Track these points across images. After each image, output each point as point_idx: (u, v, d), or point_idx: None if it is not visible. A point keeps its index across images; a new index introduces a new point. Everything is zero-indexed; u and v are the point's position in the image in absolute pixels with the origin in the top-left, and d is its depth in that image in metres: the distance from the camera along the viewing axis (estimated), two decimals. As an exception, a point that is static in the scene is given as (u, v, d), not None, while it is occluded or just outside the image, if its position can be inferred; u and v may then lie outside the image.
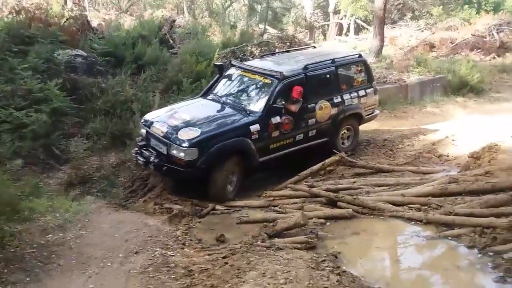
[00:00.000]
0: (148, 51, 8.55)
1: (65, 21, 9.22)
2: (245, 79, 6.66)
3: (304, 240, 4.24)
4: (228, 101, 6.37)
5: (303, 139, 6.48)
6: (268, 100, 5.99)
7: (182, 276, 3.47)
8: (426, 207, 4.86)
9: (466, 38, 18.68)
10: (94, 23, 10.70)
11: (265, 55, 8.21)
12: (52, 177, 6.12)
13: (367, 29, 21.81)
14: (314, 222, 4.78)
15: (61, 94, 6.83)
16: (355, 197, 5.16)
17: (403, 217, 4.70)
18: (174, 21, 10.70)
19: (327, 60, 6.87)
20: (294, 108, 6.11)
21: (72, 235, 4.10)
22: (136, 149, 5.98)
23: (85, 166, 6.41)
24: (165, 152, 5.53)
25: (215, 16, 16.16)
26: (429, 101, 13.26)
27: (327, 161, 6.38)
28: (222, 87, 6.70)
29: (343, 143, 7.20)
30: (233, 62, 7.07)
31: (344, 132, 7.20)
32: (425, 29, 20.41)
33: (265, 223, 4.69)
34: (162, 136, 5.60)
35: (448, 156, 7.25)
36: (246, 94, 6.49)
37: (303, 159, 6.54)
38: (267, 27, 15.08)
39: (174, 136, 5.50)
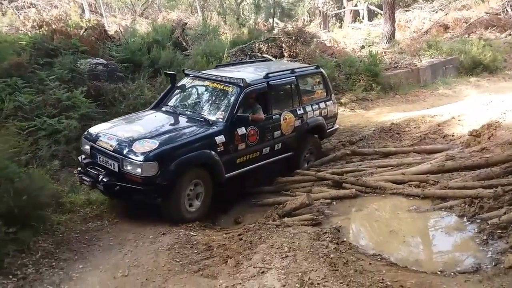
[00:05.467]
0: (163, 55, 8.99)
1: (83, 32, 9.75)
2: (203, 88, 6.16)
3: (310, 218, 4.75)
4: (185, 112, 5.79)
5: (269, 153, 5.96)
6: (232, 109, 5.44)
7: (203, 250, 4.06)
8: (424, 183, 5.30)
9: (480, 16, 18.55)
10: (111, 30, 11.23)
11: (220, 65, 7.53)
12: (87, 176, 6.71)
13: (381, 14, 21.79)
14: (321, 202, 5.26)
15: (87, 101, 7.25)
16: (358, 178, 5.64)
17: (402, 194, 5.16)
18: (186, 24, 11.19)
19: (287, 70, 6.49)
20: (261, 116, 5.73)
21: (108, 222, 4.78)
22: (80, 168, 5.23)
23: (114, 165, 6.93)
24: (116, 169, 4.76)
25: (227, 14, 16.57)
26: (441, 83, 13.42)
27: (339, 153, 6.84)
28: (176, 98, 6.14)
29: (308, 162, 6.75)
30: (186, 71, 6.50)
31: (307, 154, 6.75)
32: (440, 10, 20.27)
33: (276, 205, 5.23)
34: (111, 151, 4.82)
35: (453, 135, 7.57)
36: (205, 104, 5.96)
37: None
38: (277, 21, 15.40)
39: (128, 149, 4.72)
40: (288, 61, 10.53)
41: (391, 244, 4.17)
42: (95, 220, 4.78)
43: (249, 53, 10.06)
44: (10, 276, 3.48)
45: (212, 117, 5.49)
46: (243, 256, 3.87)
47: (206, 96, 6.09)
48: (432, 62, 14.28)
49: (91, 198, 5.25)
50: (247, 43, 10.68)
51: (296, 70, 6.55)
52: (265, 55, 10.55)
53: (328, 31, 19.93)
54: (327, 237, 4.08)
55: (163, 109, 5.96)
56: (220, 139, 5.20)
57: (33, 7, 14.51)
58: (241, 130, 5.46)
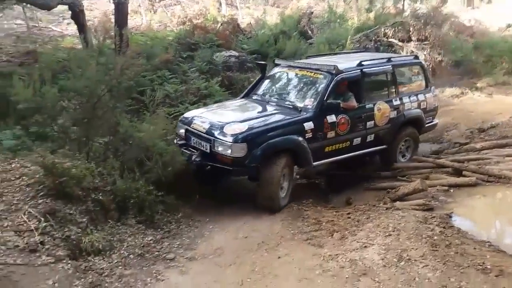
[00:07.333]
0: (288, 45, 9.61)
1: (219, 27, 10.88)
2: (293, 76, 6.09)
3: (422, 203, 4.79)
4: (275, 99, 5.83)
5: (360, 144, 5.74)
6: (322, 96, 5.33)
7: (313, 223, 4.50)
8: (558, 176, 4.87)
9: None
10: (243, 23, 12.20)
11: (311, 56, 7.42)
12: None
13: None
14: (437, 189, 5.23)
15: (221, 90, 8.27)
16: (480, 166, 5.40)
17: (530, 185, 4.84)
18: (312, 13, 11.56)
19: (382, 58, 6.35)
20: (353, 104, 5.55)
21: (234, 195, 5.58)
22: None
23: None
24: (208, 150, 5.00)
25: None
26: None
27: (466, 146, 6.70)
28: (266, 87, 6.19)
29: (403, 156, 6.46)
30: (277, 61, 6.57)
31: (402, 144, 6.41)
32: None
33: (388, 190, 5.35)
34: (204, 133, 5.08)
35: None
36: (295, 92, 5.87)
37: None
38: (409, 2, 14.72)
39: (219, 131, 4.93)
40: (416, 45, 10.14)
41: (505, 232, 4.03)
42: (225, 192, 5.58)
43: (373, 38, 9.95)
44: (159, 230, 4.39)
45: (301, 104, 5.44)
46: (348, 232, 4.20)
47: (296, 84, 6.01)
48: None
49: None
50: (372, 29, 10.55)
51: (393, 59, 6.34)
52: (390, 40, 10.32)
53: (473, 9, 18.18)
54: (434, 221, 4.14)
55: (253, 97, 6.11)
56: (308, 125, 5.17)
57: (179, 4, 16.45)
58: (331, 118, 5.35)
